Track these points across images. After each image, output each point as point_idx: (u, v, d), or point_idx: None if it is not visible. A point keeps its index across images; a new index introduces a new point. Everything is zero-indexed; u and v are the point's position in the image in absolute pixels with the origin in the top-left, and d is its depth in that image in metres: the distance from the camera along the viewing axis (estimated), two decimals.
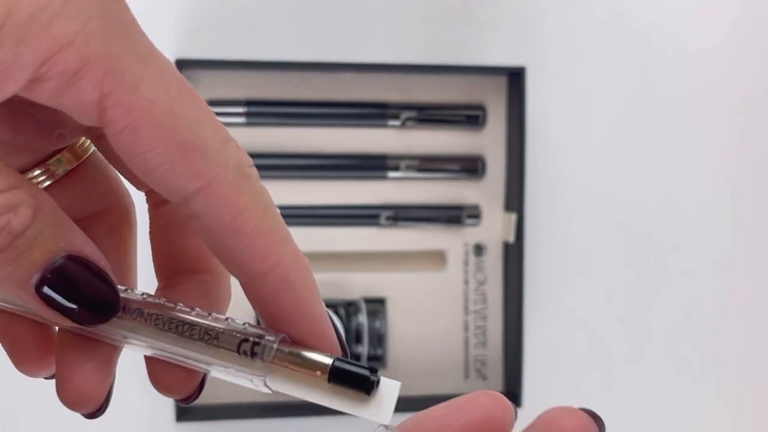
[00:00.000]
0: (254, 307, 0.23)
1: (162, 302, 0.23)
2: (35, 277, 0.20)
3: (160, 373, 0.23)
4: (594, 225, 0.73)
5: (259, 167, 0.66)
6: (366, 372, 0.22)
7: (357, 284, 0.67)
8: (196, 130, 0.20)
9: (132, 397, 0.67)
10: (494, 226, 0.69)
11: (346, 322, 0.66)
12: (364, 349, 0.66)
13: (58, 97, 0.20)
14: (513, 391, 0.67)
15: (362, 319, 0.66)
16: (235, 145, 0.21)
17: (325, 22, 0.69)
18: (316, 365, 0.22)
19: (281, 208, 0.71)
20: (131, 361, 0.66)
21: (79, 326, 0.22)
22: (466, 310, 0.69)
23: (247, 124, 0.66)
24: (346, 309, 0.66)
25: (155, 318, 0.22)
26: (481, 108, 0.69)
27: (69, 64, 0.19)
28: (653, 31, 0.74)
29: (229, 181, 0.21)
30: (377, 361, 0.67)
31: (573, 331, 0.73)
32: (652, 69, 0.74)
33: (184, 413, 0.62)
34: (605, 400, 0.74)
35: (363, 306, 0.66)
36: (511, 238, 0.67)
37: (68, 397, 0.23)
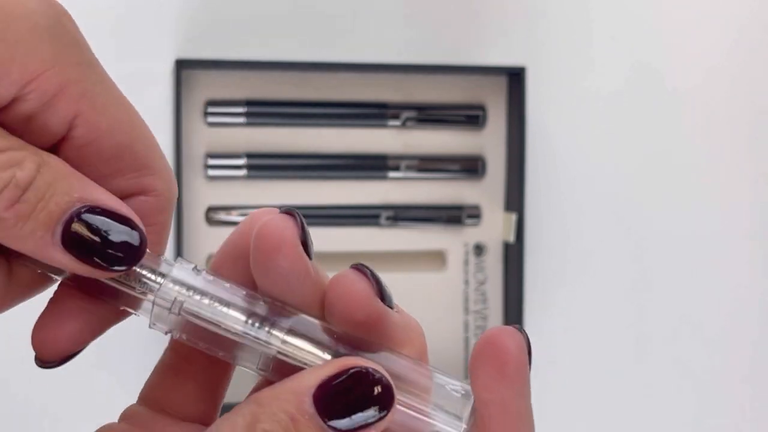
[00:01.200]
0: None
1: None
2: (57, 232, 0.20)
3: (50, 326, 0.23)
4: (594, 225, 0.73)
5: (259, 167, 0.66)
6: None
7: None
8: (149, 148, 0.23)
9: (134, 398, 0.67)
10: (494, 226, 0.69)
11: None
12: None
13: (34, 114, 0.21)
14: None
15: None
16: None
17: (325, 22, 0.69)
18: None
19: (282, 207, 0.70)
20: (131, 363, 0.66)
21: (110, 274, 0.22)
22: (466, 310, 0.69)
23: (248, 124, 0.66)
24: None
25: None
26: (481, 108, 0.69)
27: (51, 86, 0.21)
28: (654, 30, 0.74)
29: (169, 198, 0.24)
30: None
31: (573, 330, 0.73)
32: (653, 69, 0.74)
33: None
34: (605, 400, 0.74)
35: None
36: (511, 238, 0.67)
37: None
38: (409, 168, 0.68)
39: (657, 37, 0.74)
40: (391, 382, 0.22)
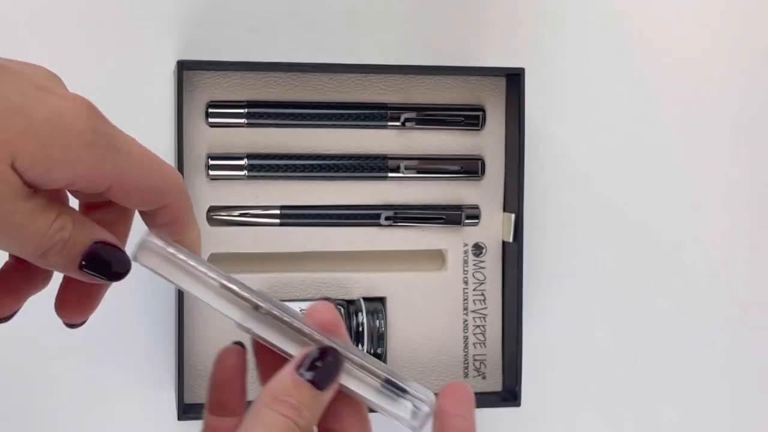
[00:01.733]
0: None
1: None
2: (77, 262, 0.32)
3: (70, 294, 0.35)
4: (592, 225, 0.74)
5: (260, 168, 0.67)
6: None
7: (357, 284, 0.68)
8: (165, 188, 0.34)
9: (134, 396, 0.67)
10: (493, 226, 0.70)
11: (347, 321, 0.66)
12: (364, 348, 0.67)
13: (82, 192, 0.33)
14: (511, 390, 0.67)
15: (362, 318, 0.67)
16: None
17: (325, 23, 0.69)
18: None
19: (283, 208, 0.71)
20: (135, 363, 0.66)
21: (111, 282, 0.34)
22: (466, 309, 0.70)
23: (248, 125, 0.66)
24: (346, 308, 0.66)
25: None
26: (480, 109, 0.69)
27: (90, 181, 0.31)
28: (651, 33, 0.74)
29: (185, 200, 0.35)
30: (377, 359, 0.67)
31: (571, 330, 0.73)
32: (650, 70, 0.74)
33: (186, 412, 0.63)
34: (604, 400, 0.74)
35: (363, 305, 0.67)
36: (510, 238, 0.68)
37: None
38: (408, 168, 0.68)
39: (655, 40, 0.74)
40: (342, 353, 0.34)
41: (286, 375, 0.32)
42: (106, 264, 0.33)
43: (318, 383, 0.32)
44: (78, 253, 0.32)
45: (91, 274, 0.33)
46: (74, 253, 0.32)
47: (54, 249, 0.31)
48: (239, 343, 0.37)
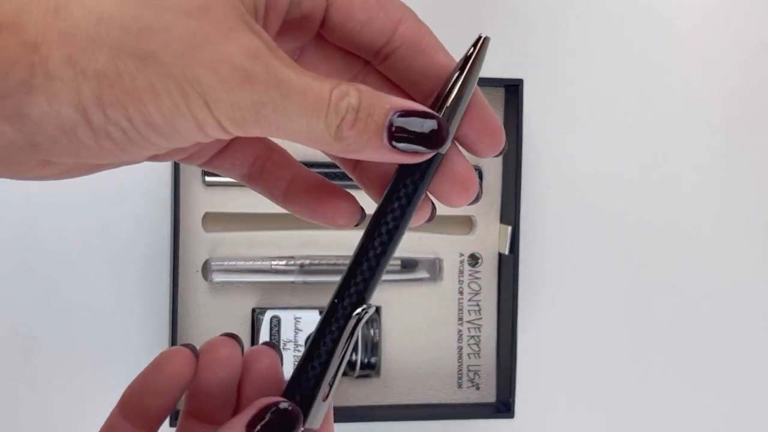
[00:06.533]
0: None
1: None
2: (385, 135, 0.27)
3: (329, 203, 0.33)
4: (589, 237, 0.74)
5: None
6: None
7: None
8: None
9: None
10: (489, 236, 0.70)
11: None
12: (357, 357, 0.66)
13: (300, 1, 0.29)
14: (505, 401, 0.67)
15: None
16: None
17: None
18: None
19: (280, 213, 0.70)
20: (128, 368, 0.66)
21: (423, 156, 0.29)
22: (460, 319, 0.70)
23: None
24: None
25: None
26: None
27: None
28: (649, 44, 0.75)
29: (411, 18, 0.30)
30: (370, 369, 0.67)
31: (566, 342, 0.73)
32: (649, 82, 0.74)
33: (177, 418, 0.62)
34: (598, 411, 0.74)
35: None
36: (506, 251, 0.68)
37: (341, 218, 0.33)
38: None
39: (653, 50, 0.75)
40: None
41: (231, 427, 0.29)
42: (418, 128, 0.27)
43: None
44: (381, 120, 0.26)
45: (404, 148, 0.27)
46: (377, 122, 0.26)
47: (347, 121, 0.26)
48: (233, 336, 0.32)
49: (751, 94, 0.76)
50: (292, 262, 0.66)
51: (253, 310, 0.66)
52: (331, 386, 0.30)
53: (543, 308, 0.73)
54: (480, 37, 0.31)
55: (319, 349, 0.30)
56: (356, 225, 0.34)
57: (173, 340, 0.62)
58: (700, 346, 0.76)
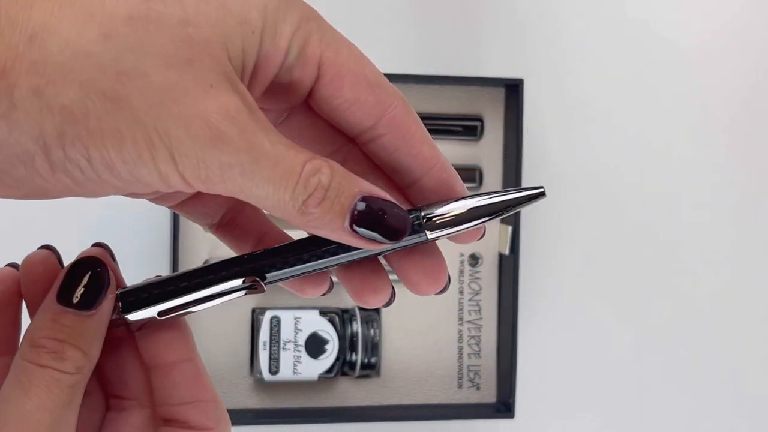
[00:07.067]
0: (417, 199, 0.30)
1: None
2: (347, 219, 0.26)
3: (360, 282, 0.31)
4: (589, 236, 0.74)
5: None
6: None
7: None
8: (374, 72, 0.28)
9: None
10: (490, 237, 0.70)
11: (341, 329, 0.66)
12: (358, 357, 0.66)
13: (293, 66, 0.27)
14: (506, 402, 0.67)
15: (357, 327, 0.66)
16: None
17: None
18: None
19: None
20: None
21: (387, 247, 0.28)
22: (461, 319, 0.69)
23: None
24: (340, 317, 0.66)
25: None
26: (478, 119, 0.69)
27: (301, 39, 0.27)
28: (650, 43, 0.74)
29: (401, 106, 0.28)
30: (370, 369, 0.67)
31: (566, 342, 0.73)
32: (649, 80, 0.74)
33: None
34: (599, 411, 0.74)
35: (358, 314, 0.67)
36: (506, 251, 0.68)
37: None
38: None
39: (654, 48, 0.75)
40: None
41: (42, 309, 0.27)
42: (381, 218, 0.26)
43: (82, 304, 0.27)
44: (347, 203, 0.26)
45: (363, 234, 0.26)
46: (342, 203, 0.26)
47: (314, 198, 0.25)
48: (50, 248, 0.30)
49: (753, 93, 0.76)
50: None
51: (253, 310, 0.66)
52: (172, 312, 0.30)
53: (543, 308, 0.73)
54: (539, 190, 0.29)
55: (193, 279, 0.29)
56: (323, 294, 0.32)
57: None
58: (700, 347, 0.76)
